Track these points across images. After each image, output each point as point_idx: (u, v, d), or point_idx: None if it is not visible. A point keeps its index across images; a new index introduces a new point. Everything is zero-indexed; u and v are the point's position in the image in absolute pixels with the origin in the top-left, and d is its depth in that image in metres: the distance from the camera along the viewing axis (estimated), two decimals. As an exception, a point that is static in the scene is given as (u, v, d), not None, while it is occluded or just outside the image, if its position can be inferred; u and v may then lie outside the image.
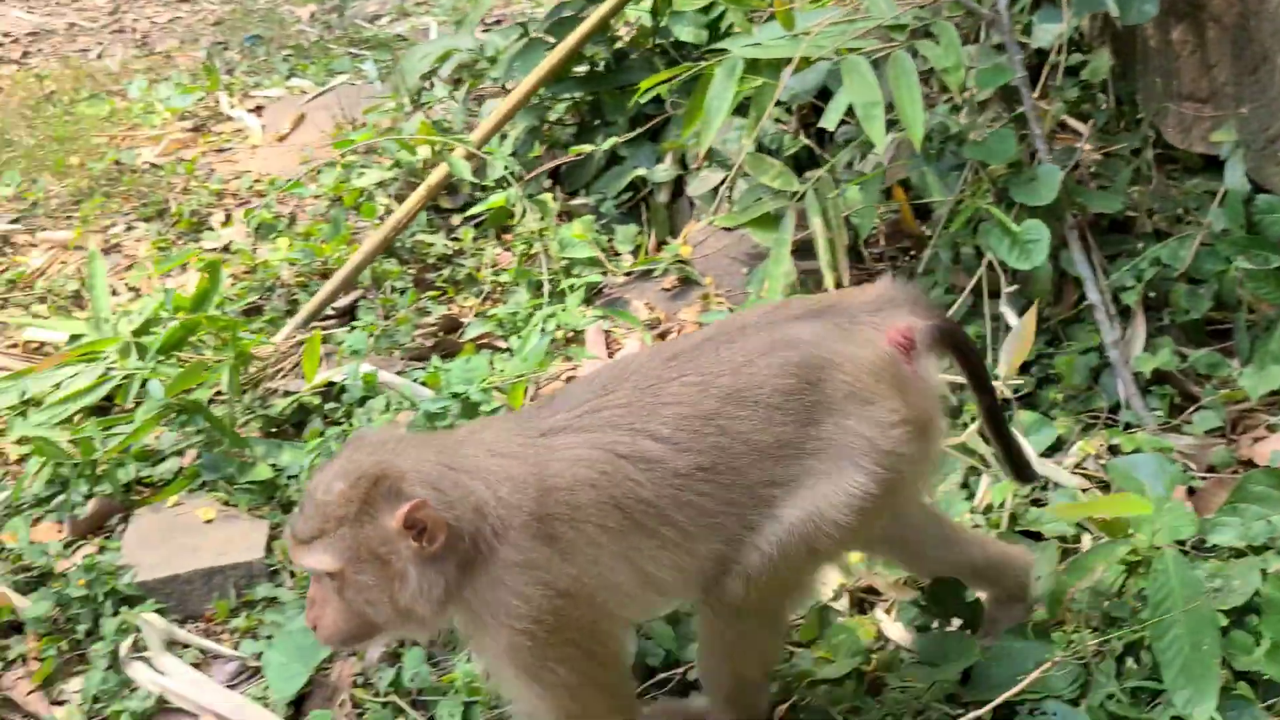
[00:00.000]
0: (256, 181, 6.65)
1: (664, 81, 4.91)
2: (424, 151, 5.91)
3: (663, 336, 4.94)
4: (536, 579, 2.73)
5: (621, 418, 2.85)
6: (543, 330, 4.90)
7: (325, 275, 5.65)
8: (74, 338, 5.30)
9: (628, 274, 5.24)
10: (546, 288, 5.09)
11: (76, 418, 4.88)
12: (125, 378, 4.91)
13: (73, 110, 7.74)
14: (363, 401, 4.70)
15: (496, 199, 5.35)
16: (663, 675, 3.55)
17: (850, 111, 4.36)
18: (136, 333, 4.99)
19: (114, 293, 5.67)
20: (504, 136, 5.87)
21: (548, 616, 2.74)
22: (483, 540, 2.72)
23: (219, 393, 4.70)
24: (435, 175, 5.33)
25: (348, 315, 5.47)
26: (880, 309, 3.03)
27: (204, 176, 6.77)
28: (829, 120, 4.46)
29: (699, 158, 5.28)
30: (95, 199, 6.47)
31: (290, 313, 5.39)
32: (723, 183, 5.36)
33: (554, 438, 2.85)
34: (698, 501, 2.85)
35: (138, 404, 4.78)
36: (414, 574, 2.72)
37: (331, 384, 4.81)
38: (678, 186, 5.75)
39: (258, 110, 7.71)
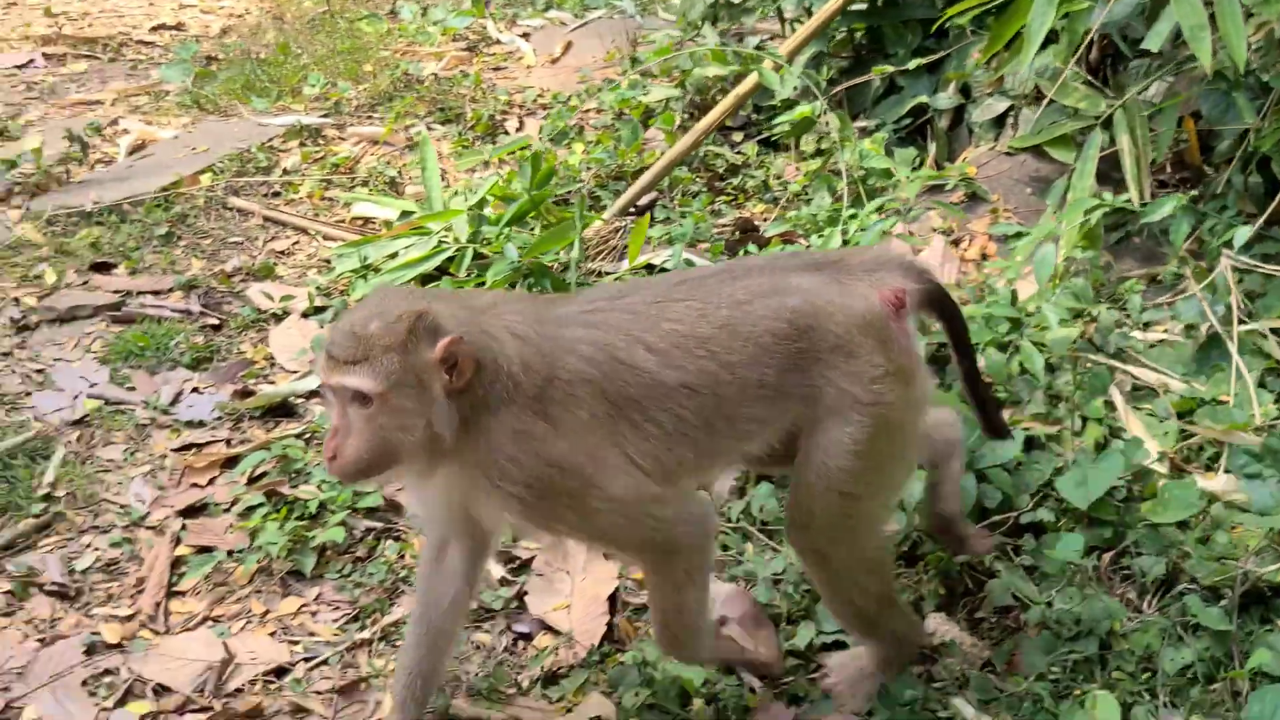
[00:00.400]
0: (540, 95, 7.13)
1: (973, 9, 5.26)
2: (714, 70, 6.31)
3: (956, 244, 5.31)
4: (530, 449, 2.95)
5: (626, 323, 3.09)
6: (843, 231, 5.29)
7: (618, 177, 6.11)
8: (404, 214, 5.83)
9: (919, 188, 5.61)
10: (846, 194, 5.47)
11: (410, 283, 5.39)
12: (459, 248, 5.41)
13: (354, 27, 8.30)
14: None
15: (803, 109, 5.75)
16: (996, 517, 3.92)
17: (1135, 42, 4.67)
18: (472, 209, 5.47)
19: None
20: (789, 61, 6.26)
21: (536, 483, 2.96)
22: (492, 398, 2.94)
23: (556, 265, 5.16)
24: (744, 85, 5.74)
25: (645, 214, 5.90)
26: (877, 269, 3.25)
27: (488, 89, 7.26)
28: (1152, 42, 4.79)
29: (991, 84, 5.63)
30: (405, 99, 7.01)
31: (592, 209, 5.84)
32: (1010, 109, 5.72)
33: (563, 328, 3.07)
34: (678, 412, 3.08)
35: (469, 274, 5.28)
36: (443, 403, 2.91)
37: (650, 265, 5.26)
38: (956, 115, 6.10)
39: (524, 37, 8.19)
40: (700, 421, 3.11)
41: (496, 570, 4.05)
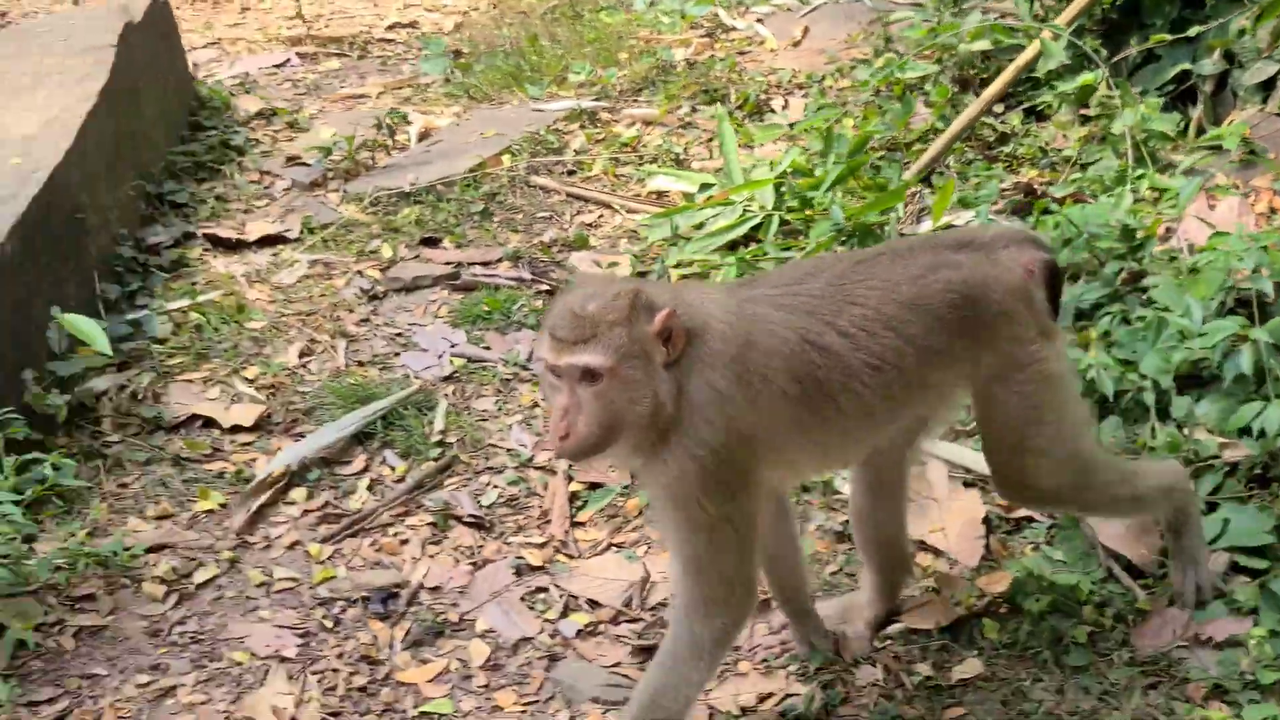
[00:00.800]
0: (793, 76, 7.53)
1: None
2: (979, 45, 6.65)
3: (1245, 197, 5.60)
4: (726, 413, 3.11)
5: (815, 307, 3.29)
6: (1133, 191, 5.60)
7: (892, 149, 6.48)
8: (704, 186, 6.25)
9: (1195, 149, 5.90)
10: (1130, 155, 5.79)
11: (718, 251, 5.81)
12: (765, 215, 5.82)
13: (596, 18, 8.77)
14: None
15: (1085, 77, 6.08)
16: None
17: None
18: (778, 180, 5.88)
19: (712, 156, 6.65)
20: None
21: (721, 449, 3.11)
22: (698, 367, 3.11)
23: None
24: (1025, 55, 6.08)
25: (924, 183, 6.27)
26: (1009, 244, 3.54)
27: (741, 72, 7.67)
28: None
29: (1268, 48, 5.90)
30: (674, 83, 7.46)
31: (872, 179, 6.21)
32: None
33: (758, 308, 3.26)
34: (861, 392, 3.29)
35: (776, 239, 5.68)
36: (663, 374, 3.08)
37: (950, 225, 5.61)
38: (1219, 81, 6.36)
39: (758, 22, 8.59)
40: (880, 396, 3.34)
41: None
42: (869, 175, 5.81)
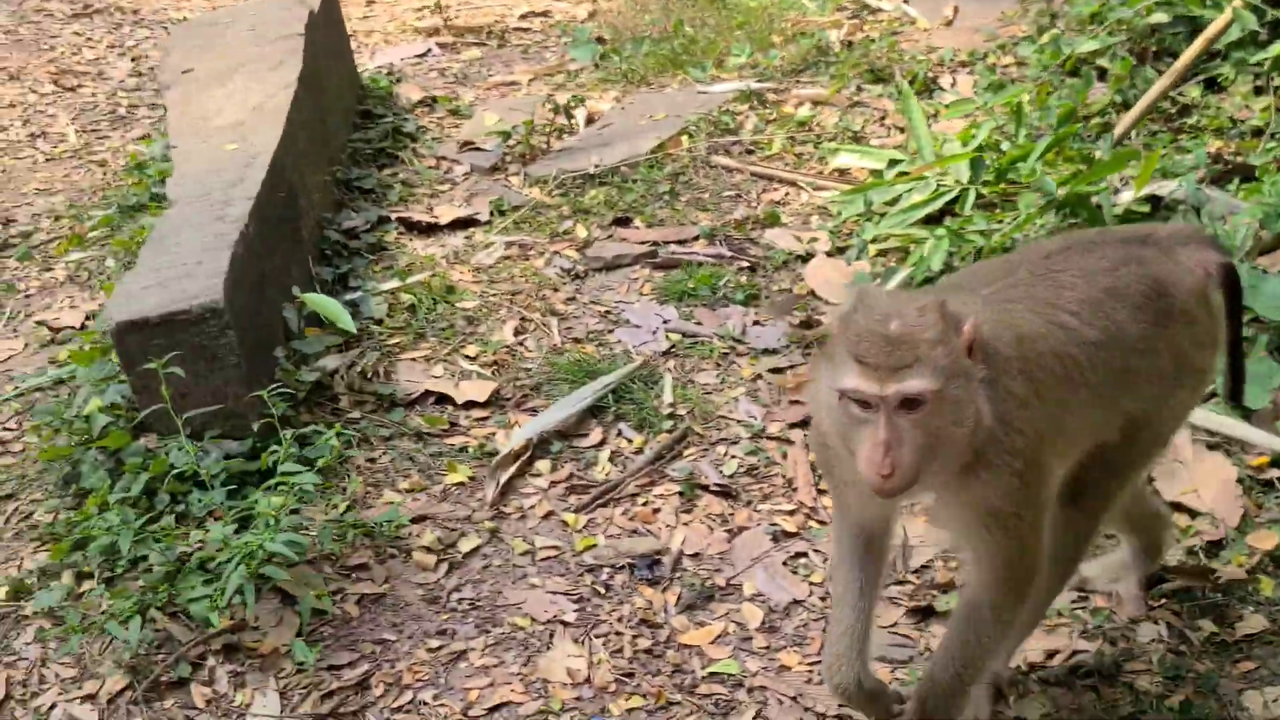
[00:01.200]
0: (955, 54, 7.55)
1: None
2: (1157, 17, 6.66)
3: None
4: (1029, 417, 2.98)
5: (1034, 294, 3.21)
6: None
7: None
8: (892, 163, 6.29)
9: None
10: (1332, 122, 5.79)
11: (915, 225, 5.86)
12: (961, 189, 5.85)
13: (740, 2, 8.82)
14: (1195, 211, 5.49)
15: (1280, 46, 6.09)
16: None
17: None
18: (972, 155, 5.91)
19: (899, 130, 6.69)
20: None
21: (1031, 455, 2.98)
22: (994, 370, 2.94)
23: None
24: (1216, 25, 6.08)
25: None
26: (1187, 243, 3.45)
27: (902, 52, 7.70)
28: None
29: None
30: (840, 64, 7.52)
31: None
32: None
33: (998, 305, 3.13)
34: (1100, 369, 3.20)
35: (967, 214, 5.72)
36: (980, 389, 2.89)
37: (1153, 196, 5.62)
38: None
39: (905, 2, 8.61)
40: (1109, 380, 3.26)
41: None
42: (1070, 147, 5.82)
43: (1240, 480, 4.35)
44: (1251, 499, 4.32)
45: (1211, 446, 4.52)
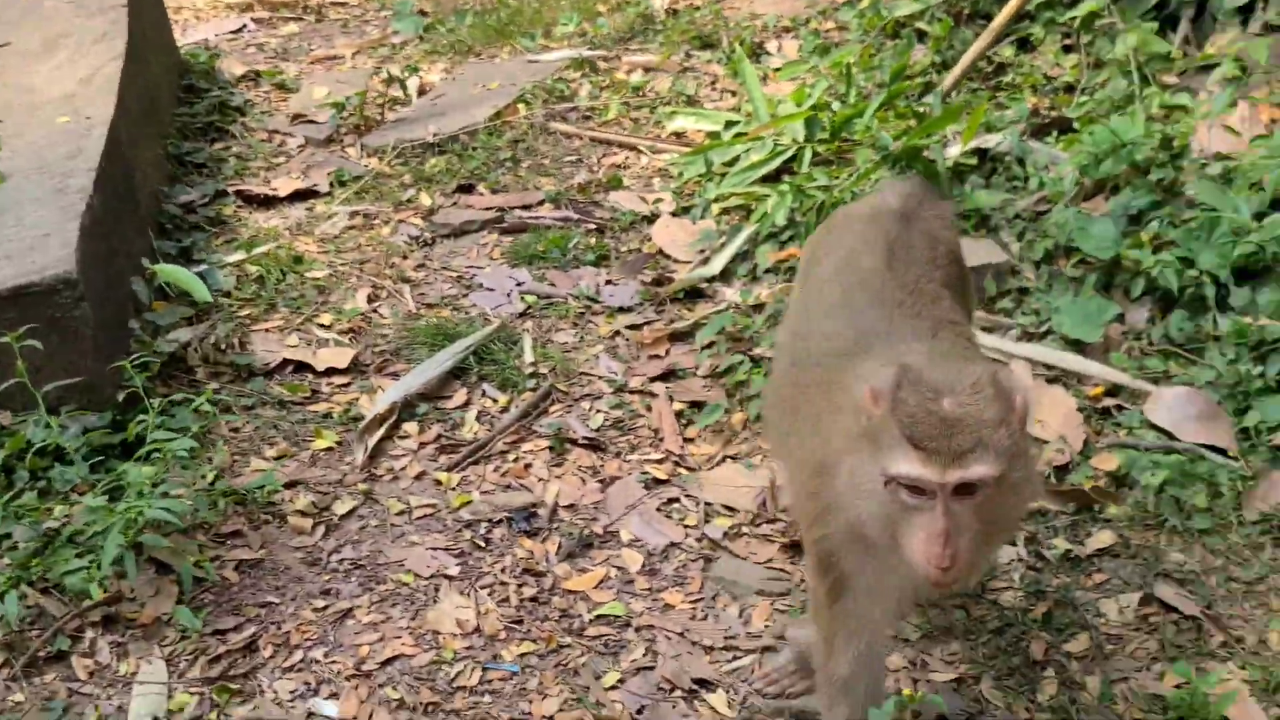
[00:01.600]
0: (779, 20, 7.75)
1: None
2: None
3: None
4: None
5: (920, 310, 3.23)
6: (1146, 109, 5.95)
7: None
8: (729, 124, 6.45)
9: (1194, 69, 6.27)
10: (1136, 77, 6.14)
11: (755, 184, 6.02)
12: (798, 148, 6.04)
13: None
14: (1019, 162, 5.76)
15: (1090, 4, 6.40)
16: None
17: None
18: (807, 114, 6.09)
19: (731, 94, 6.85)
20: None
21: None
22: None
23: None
24: (1029, -13, 6.40)
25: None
26: (922, 200, 3.58)
27: (726, 19, 7.87)
28: None
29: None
30: (669, 31, 7.64)
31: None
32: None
33: (941, 346, 3.06)
34: None
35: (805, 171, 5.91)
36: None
37: (980, 150, 5.89)
38: (1199, 5, 6.76)
39: (729, -30, 8.80)
40: None
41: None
42: (900, 105, 6.05)
43: (1080, 409, 4.61)
44: (1091, 426, 4.58)
45: (1051, 380, 4.78)
